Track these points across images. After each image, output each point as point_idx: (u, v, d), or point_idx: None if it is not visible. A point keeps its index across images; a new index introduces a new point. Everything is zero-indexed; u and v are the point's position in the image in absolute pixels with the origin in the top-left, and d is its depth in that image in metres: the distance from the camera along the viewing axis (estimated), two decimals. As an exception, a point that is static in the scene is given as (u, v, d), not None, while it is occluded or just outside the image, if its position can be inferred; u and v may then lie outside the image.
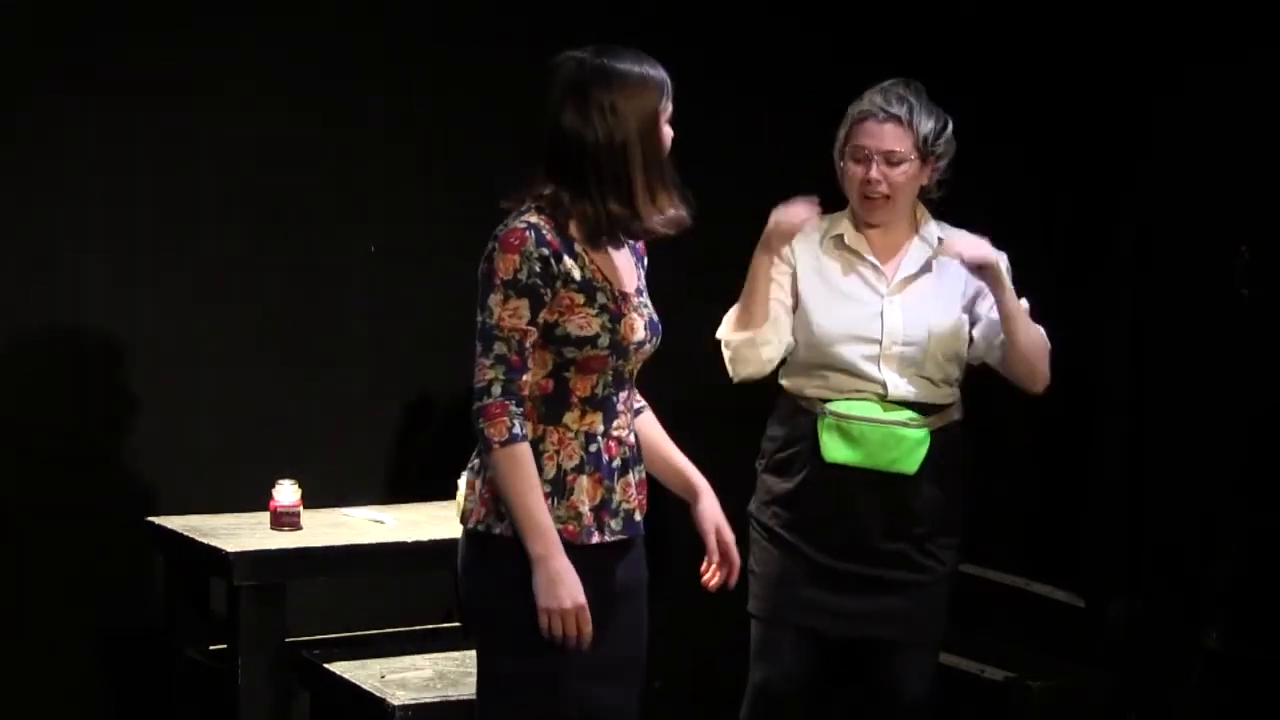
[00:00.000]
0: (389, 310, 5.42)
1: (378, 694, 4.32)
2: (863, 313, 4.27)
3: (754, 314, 4.30)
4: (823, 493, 4.26)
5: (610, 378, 3.65)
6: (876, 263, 4.32)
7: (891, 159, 4.25)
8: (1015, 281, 4.30)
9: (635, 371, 3.74)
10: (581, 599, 3.50)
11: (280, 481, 4.69)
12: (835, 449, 4.26)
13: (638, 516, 3.69)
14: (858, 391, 4.26)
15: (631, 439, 3.72)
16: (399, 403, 5.43)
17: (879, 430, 4.23)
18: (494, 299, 3.58)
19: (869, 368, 4.25)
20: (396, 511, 4.93)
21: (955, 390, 4.32)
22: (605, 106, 3.57)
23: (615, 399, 3.67)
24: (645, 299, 3.74)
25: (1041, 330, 4.27)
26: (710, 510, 3.80)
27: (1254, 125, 5.15)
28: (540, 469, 3.58)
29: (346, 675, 4.46)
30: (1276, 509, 5.04)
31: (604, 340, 3.59)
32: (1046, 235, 5.98)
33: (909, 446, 4.24)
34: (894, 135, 4.25)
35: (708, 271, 5.35)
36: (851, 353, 4.26)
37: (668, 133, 3.66)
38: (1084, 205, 5.83)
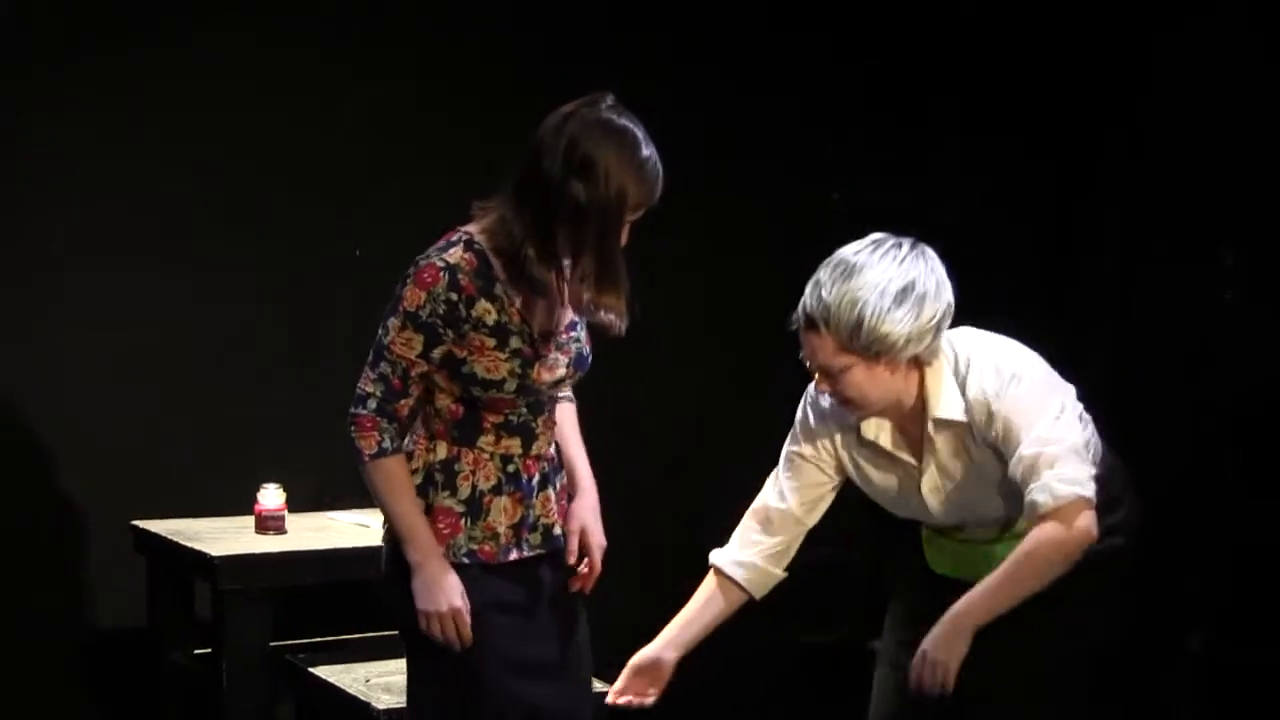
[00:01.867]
0: (375, 314, 5.39)
1: (362, 698, 4.32)
2: (908, 503, 3.80)
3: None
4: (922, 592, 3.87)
5: (525, 408, 3.64)
6: (898, 456, 3.76)
7: (830, 370, 3.61)
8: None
9: (556, 396, 3.72)
10: (459, 603, 3.54)
11: (265, 485, 4.69)
12: (935, 560, 3.88)
13: (556, 530, 3.70)
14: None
15: (551, 452, 3.72)
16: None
17: (968, 549, 3.81)
18: (393, 322, 3.56)
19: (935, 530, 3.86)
20: (381, 516, 4.92)
21: None
22: (579, 154, 3.49)
23: (534, 423, 3.66)
24: (577, 332, 3.69)
25: (1046, 538, 3.56)
26: (579, 510, 3.75)
27: (1236, 129, 5.16)
28: (455, 489, 3.60)
29: (331, 679, 4.45)
30: (1260, 513, 5.05)
31: (510, 385, 3.57)
32: (1031, 234, 5.99)
33: (1001, 556, 3.66)
34: (815, 345, 3.61)
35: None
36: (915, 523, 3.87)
37: (625, 229, 3.53)
38: (1068, 205, 5.83)
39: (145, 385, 5.12)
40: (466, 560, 3.61)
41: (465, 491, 3.60)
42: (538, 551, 3.67)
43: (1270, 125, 5.09)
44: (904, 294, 3.55)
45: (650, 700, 3.78)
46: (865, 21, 6.02)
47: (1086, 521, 3.56)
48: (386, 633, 4.86)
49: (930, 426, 3.67)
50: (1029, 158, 5.94)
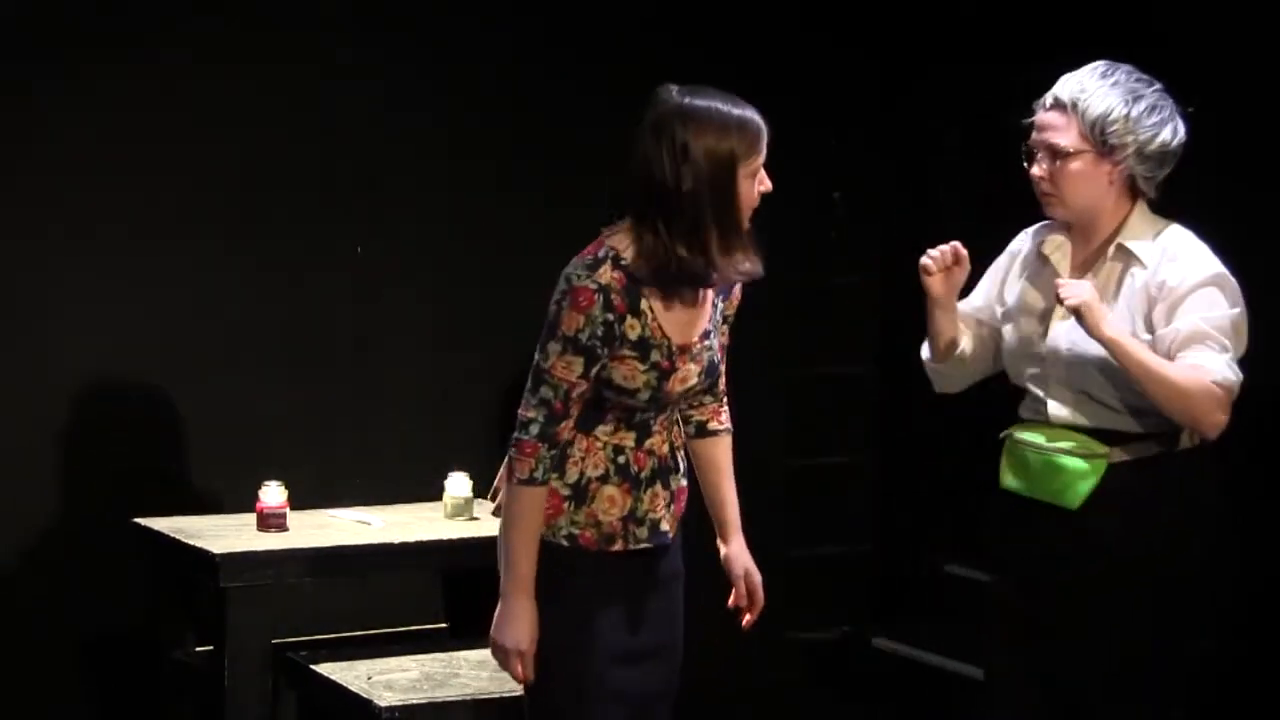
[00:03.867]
0: (376, 311, 5.42)
1: (364, 695, 4.32)
2: (1035, 328, 3.91)
3: (934, 346, 4.07)
4: (996, 520, 3.96)
5: (650, 408, 3.68)
6: (1061, 273, 3.89)
7: (1056, 152, 3.81)
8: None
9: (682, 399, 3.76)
10: (524, 645, 3.60)
11: (267, 483, 4.69)
12: (1006, 475, 3.92)
13: (664, 527, 3.72)
14: (1036, 414, 3.90)
15: (666, 450, 3.73)
16: (386, 404, 5.42)
17: (1040, 458, 3.85)
18: (553, 347, 3.58)
19: (1035, 388, 3.90)
20: (383, 513, 4.93)
21: (1157, 419, 3.76)
22: (678, 146, 3.55)
23: (653, 421, 3.69)
24: (710, 340, 3.72)
25: (1181, 372, 3.68)
26: (738, 555, 3.90)
27: (1243, 122, 5.16)
28: (563, 473, 3.63)
29: (333, 676, 4.45)
30: (1260, 511, 5.05)
31: (644, 395, 3.62)
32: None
33: (1070, 478, 3.81)
34: (1056, 125, 3.83)
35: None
36: (1022, 371, 3.94)
37: (750, 184, 3.60)
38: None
39: (146, 383, 5.12)
40: (565, 543, 3.64)
41: (573, 476, 3.63)
42: (643, 545, 3.69)
43: (1272, 117, 5.09)
44: (1154, 110, 3.80)
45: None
46: (866, 20, 6.02)
47: (1221, 409, 3.71)
48: (388, 630, 4.87)
49: (1111, 250, 3.82)
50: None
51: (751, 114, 3.62)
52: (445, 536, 4.71)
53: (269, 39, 5.25)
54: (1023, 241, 4.08)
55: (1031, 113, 3.92)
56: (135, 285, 5.11)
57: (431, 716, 4.28)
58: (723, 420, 3.90)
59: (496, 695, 4.29)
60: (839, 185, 6.14)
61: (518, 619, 3.60)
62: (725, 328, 3.79)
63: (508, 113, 5.60)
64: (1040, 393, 3.88)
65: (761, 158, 3.60)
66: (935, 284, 3.94)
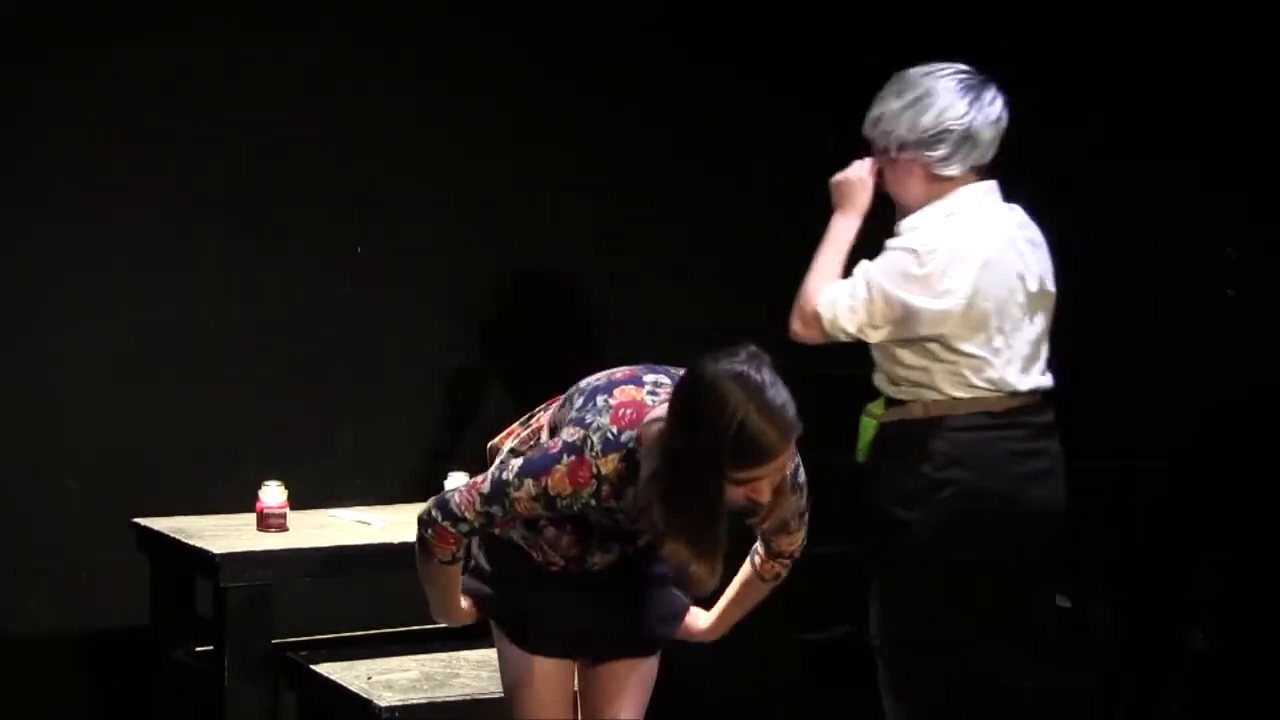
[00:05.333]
0: (376, 311, 5.42)
1: (364, 695, 4.32)
2: None
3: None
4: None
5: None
6: None
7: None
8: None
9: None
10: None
11: (267, 483, 4.69)
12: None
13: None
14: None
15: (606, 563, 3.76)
16: (385, 404, 5.43)
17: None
18: (530, 488, 3.50)
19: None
20: (383, 513, 4.93)
21: (910, 389, 4.21)
22: (682, 413, 3.38)
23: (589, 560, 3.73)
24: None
25: (818, 282, 4.28)
26: (696, 619, 3.94)
27: (1237, 120, 5.16)
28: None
29: (333, 676, 4.45)
30: (1262, 510, 5.05)
31: (570, 551, 3.70)
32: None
33: (863, 436, 4.33)
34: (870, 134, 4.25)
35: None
36: None
37: (732, 491, 3.39)
38: (1067, 201, 5.83)
39: (146, 383, 5.12)
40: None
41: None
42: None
43: (1274, 117, 5.09)
44: (912, 101, 4.12)
45: None
46: (866, 17, 6.02)
47: (801, 321, 4.30)
48: (388, 630, 4.87)
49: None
50: (1030, 156, 5.93)
51: (776, 423, 3.36)
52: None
53: (269, 39, 5.25)
54: None
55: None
56: (135, 285, 5.11)
57: (431, 716, 4.28)
58: (774, 570, 3.87)
59: (496, 695, 4.28)
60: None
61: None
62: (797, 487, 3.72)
63: (509, 112, 5.60)
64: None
65: (751, 478, 3.38)
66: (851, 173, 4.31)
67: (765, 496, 3.40)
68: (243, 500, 4.78)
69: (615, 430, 3.48)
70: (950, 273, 4.10)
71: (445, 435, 5.42)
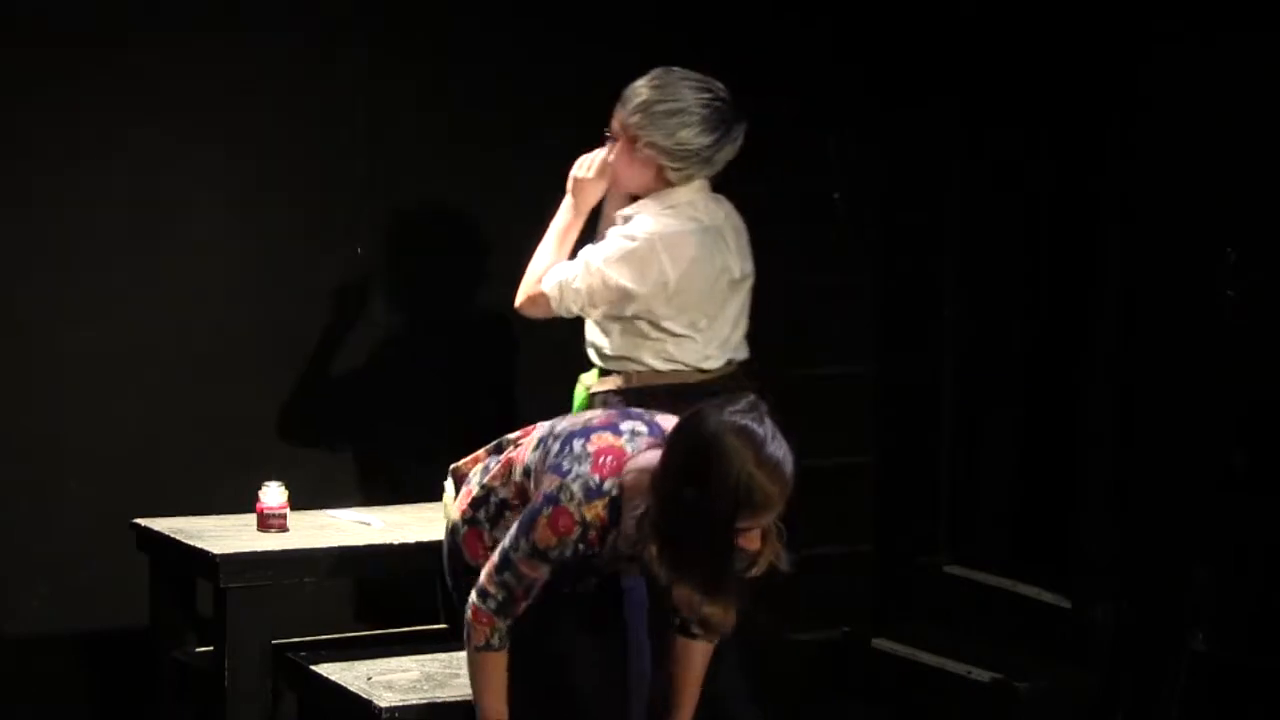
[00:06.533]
0: (376, 311, 5.42)
1: (364, 696, 4.32)
2: None
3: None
4: None
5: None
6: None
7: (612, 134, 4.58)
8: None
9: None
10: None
11: (267, 483, 4.69)
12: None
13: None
14: None
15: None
16: (386, 405, 5.43)
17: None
18: (524, 548, 3.63)
19: None
20: (383, 513, 4.93)
21: (616, 361, 4.56)
22: (686, 466, 3.44)
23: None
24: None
25: (531, 266, 4.65)
26: None
27: (1240, 122, 5.15)
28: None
29: (333, 677, 4.45)
30: (1262, 510, 5.05)
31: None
32: (1031, 235, 5.99)
33: (576, 400, 4.63)
34: (615, 112, 4.55)
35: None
36: None
37: (744, 542, 3.44)
38: (1067, 205, 5.83)
39: (146, 383, 5.12)
40: None
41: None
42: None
43: (1274, 120, 5.09)
44: (679, 113, 4.47)
45: None
46: (866, 19, 6.02)
47: (528, 298, 4.62)
48: (388, 630, 4.87)
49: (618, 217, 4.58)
50: (1030, 154, 5.94)
51: (779, 477, 3.41)
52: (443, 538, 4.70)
53: (272, 37, 5.25)
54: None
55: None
56: (135, 284, 5.11)
57: (431, 717, 4.28)
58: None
59: (496, 696, 4.29)
60: (838, 186, 6.14)
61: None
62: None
63: (508, 112, 5.60)
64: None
65: (763, 520, 3.44)
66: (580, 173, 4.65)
67: (757, 544, 3.46)
68: (243, 501, 4.78)
69: (597, 479, 3.56)
70: (663, 260, 4.47)
71: (445, 436, 5.41)
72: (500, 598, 3.66)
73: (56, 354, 5.03)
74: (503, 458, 3.89)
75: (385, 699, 4.28)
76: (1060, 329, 5.81)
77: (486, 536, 3.87)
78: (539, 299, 4.58)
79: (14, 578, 5.01)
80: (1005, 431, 6.03)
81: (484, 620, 3.68)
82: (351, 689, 4.36)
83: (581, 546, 3.57)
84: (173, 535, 4.63)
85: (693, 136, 4.49)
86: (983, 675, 5.48)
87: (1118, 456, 5.52)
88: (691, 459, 3.41)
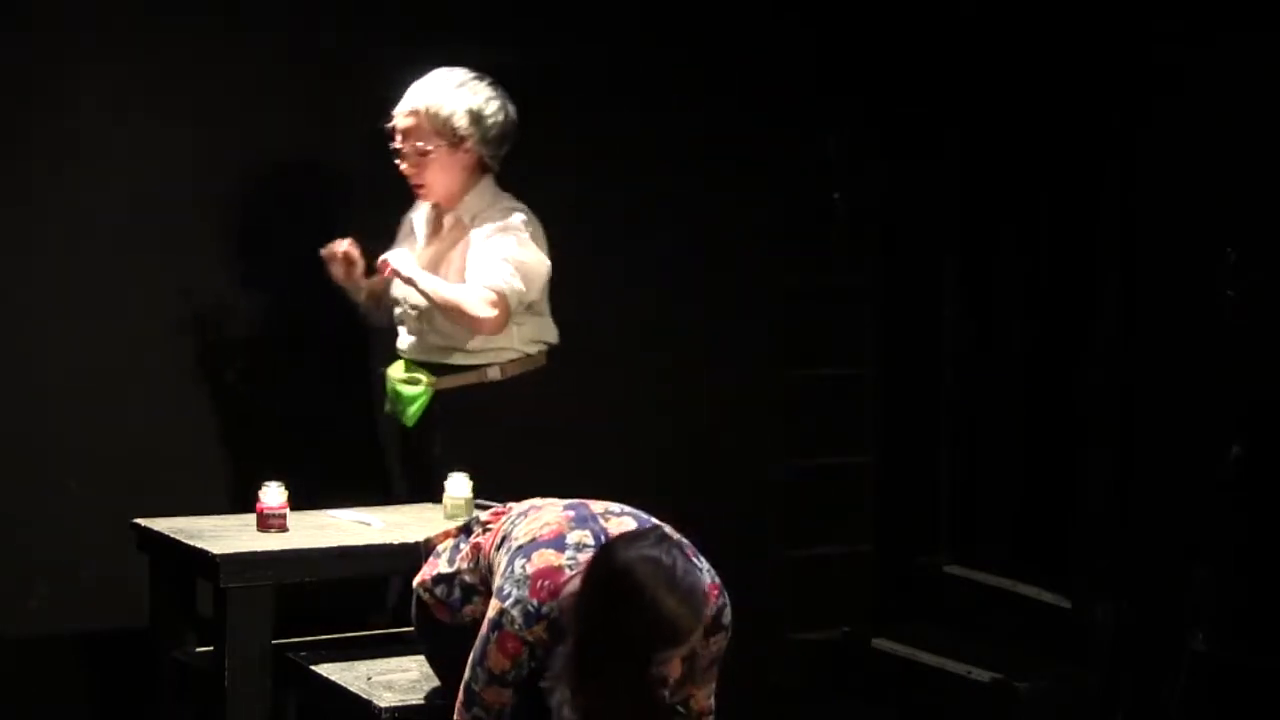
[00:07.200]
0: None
1: (364, 695, 4.31)
2: (401, 284, 4.92)
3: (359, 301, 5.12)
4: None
5: None
6: (420, 240, 5.02)
7: (420, 152, 4.86)
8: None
9: None
10: None
11: (267, 483, 4.69)
12: (386, 403, 5.01)
13: None
14: (398, 350, 5.03)
15: None
16: (385, 405, 5.42)
17: (392, 387, 4.96)
18: (482, 677, 3.68)
19: (398, 326, 5.01)
20: (383, 513, 4.92)
21: (490, 353, 4.88)
22: (594, 601, 3.49)
23: None
24: None
25: (458, 288, 4.81)
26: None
27: (1240, 122, 5.16)
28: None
29: (333, 677, 4.44)
30: (1262, 510, 5.05)
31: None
32: (1030, 235, 5.99)
33: (405, 403, 4.92)
34: (415, 129, 4.86)
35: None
36: (392, 315, 5.04)
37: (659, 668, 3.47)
38: (1067, 206, 5.83)
39: (146, 383, 5.12)
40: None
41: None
42: None
43: (1274, 120, 5.10)
44: (491, 100, 4.84)
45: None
46: (866, 21, 6.02)
47: (492, 305, 4.77)
48: (388, 630, 4.86)
49: (450, 220, 4.92)
50: (1030, 154, 5.94)
51: (692, 607, 3.43)
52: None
53: (272, 37, 5.25)
54: (410, 214, 5.08)
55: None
56: (135, 284, 5.11)
57: (431, 718, 4.28)
58: (702, 705, 3.81)
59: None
60: (838, 186, 6.14)
61: None
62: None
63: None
64: (400, 330, 4.99)
65: (680, 653, 3.47)
66: (335, 273, 5.00)
67: (676, 672, 3.51)
68: (243, 501, 4.78)
69: (535, 603, 3.61)
70: (541, 237, 4.91)
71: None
72: None
73: (56, 353, 5.03)
74: (471, 542, 3.96)
75: (385, 699, 4.28)
76: (1060, 329, 5.81)
77: (453, 614, 3.96)
78: (494, 317, 4.78)
79: (14, 578, 5.01)
80: (1005, 431, 6.04)
81: None
82: (351, 689, 4.36)
83: (533, 664, 3.63)
84: (173, 535, 4.62)
85: (503, 118, 4.86)
86: (983, 675, 5.48)
87: (1118, 456, 5.53)
88: (599, 593, 3.46)
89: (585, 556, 3.61)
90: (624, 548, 3.47)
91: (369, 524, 4.80)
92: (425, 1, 5.47)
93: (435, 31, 5.47)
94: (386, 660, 4.55)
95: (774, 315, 6.09)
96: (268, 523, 4.64)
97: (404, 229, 5.14)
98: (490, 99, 4.86)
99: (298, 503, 4.78)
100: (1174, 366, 5.36)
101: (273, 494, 4.65)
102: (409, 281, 4.82)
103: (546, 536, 3.71)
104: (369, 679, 4.41)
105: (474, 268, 4.83)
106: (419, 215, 5.09)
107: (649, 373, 5.78)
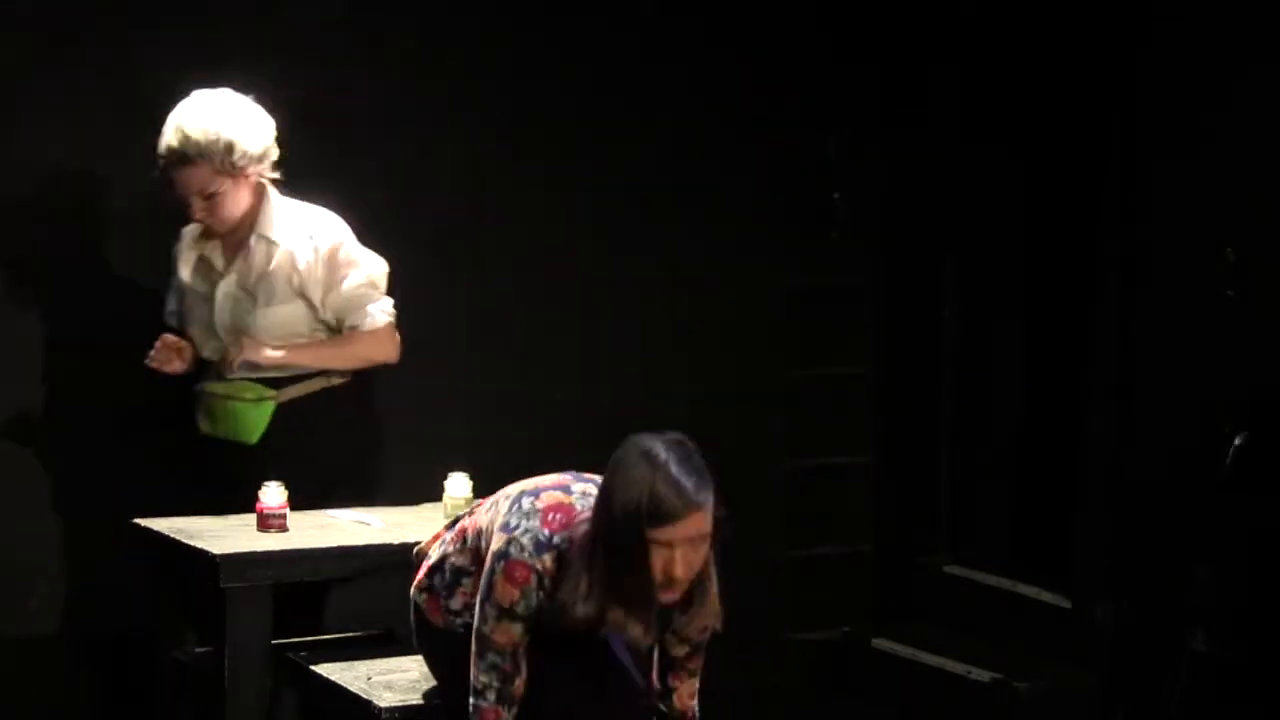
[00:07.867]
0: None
1: (364, 695, 4.31)
2: (205, 312, 4.84)
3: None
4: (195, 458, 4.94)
5: None
6: (215, 265, 4.86)
7: (206, 194, 4.73)
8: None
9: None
10: None
11: (266, 484, 4.68)
12: (200, 422, 4.89)
13: None
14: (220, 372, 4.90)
15: None
16: (385, 405, 5.42)
17: (221, 405, 4.84)
18: (491, 614, 3.73)
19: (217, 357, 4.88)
20: (383, 513, 4.92)
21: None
22: (603, 491, 3.65)
23: None
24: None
25: (349, 344, 4.88)
26: None
27: (1240, 121, 5.16)
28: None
29: (333, 677, 4.44)
30: (1262, 510, 5.05)
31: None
32: (1031, 234, 6.00)
33: (247, 417, 4.83)
34: (196, 176, 4.70)
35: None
36: (204, 346, 4.88)
37: (661, 553, 3.59)
38: (1067, 206, 5.84)
39: (146, 383, 5.11)
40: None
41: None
42: None
43: (1273, 120, 5.09)
44: (253, 123, 4.72)
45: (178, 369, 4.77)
46: (867, 21, 6.02)
47: (391, 341, 4.90)
48: (388, 630, 4.86)
49: (254, 240, 4.79)
50: (1030, 154, 5.95)
51: (679, 491, 3.59)
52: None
53: (274, 37, 5.25)
54: (180, 244, 4.91)
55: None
56: (135, 286, 5.11)
57: (431, 718, 4.28)
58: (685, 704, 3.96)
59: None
60: (838, 186, 6.14)
61: None
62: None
63: (509, 112, 5.60)
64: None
65: (671, 534, 3.58)
66: (175, 367, 4.83)
67: (679, 571, 3.59)
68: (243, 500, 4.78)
69: (546, 533, 3.69)
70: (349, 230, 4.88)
71: (445, 435, 5.41)
72: (495, 684, 3.74)
73: (56, 353, 5.03)
74: (458, 528, 4.01)
75: (385, 699, 4.28)
76: (1060, 329, 5.81)
77: (442, 602, 3.98)
78: (392, 330, 4.90)
79: (14, 578, 5.00)
80: (1005, 432, 6.04)
81: (489, 717, 3.75)
82: (351, 689, 4.36)
83: (540, 594, 3.68)
84: (173, 535, 4.63)
85: (269, 132, 4.76)
86: (983, 675, 5.48)
87: (1118, 456, 5.52)
88: (606, 480, 3.64)
89: (592, 501, 3.70)
90: (635, 436, 3.64)
91: (369, 524, 4.80)
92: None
93: (424, 31, 5.47)
94: (386, 660, 4.55)
95: (774, 315, 6.09)
96: (268, 523, 4.64)
97: (176, 267, 4.96)
98: (254, 121, 4.75)
99: (297, 503, 4.78)
100: (1173, 366, 5.36)
101: (272, 493, 4.66)
102: (276, 364, 4.82)
103: (551, 484, 3.82)
104: (369, 679, 4.41)
105: (346, 311, 4.86)
106: (183, 248, 4.95)
107: (649, 372, 5.77)
